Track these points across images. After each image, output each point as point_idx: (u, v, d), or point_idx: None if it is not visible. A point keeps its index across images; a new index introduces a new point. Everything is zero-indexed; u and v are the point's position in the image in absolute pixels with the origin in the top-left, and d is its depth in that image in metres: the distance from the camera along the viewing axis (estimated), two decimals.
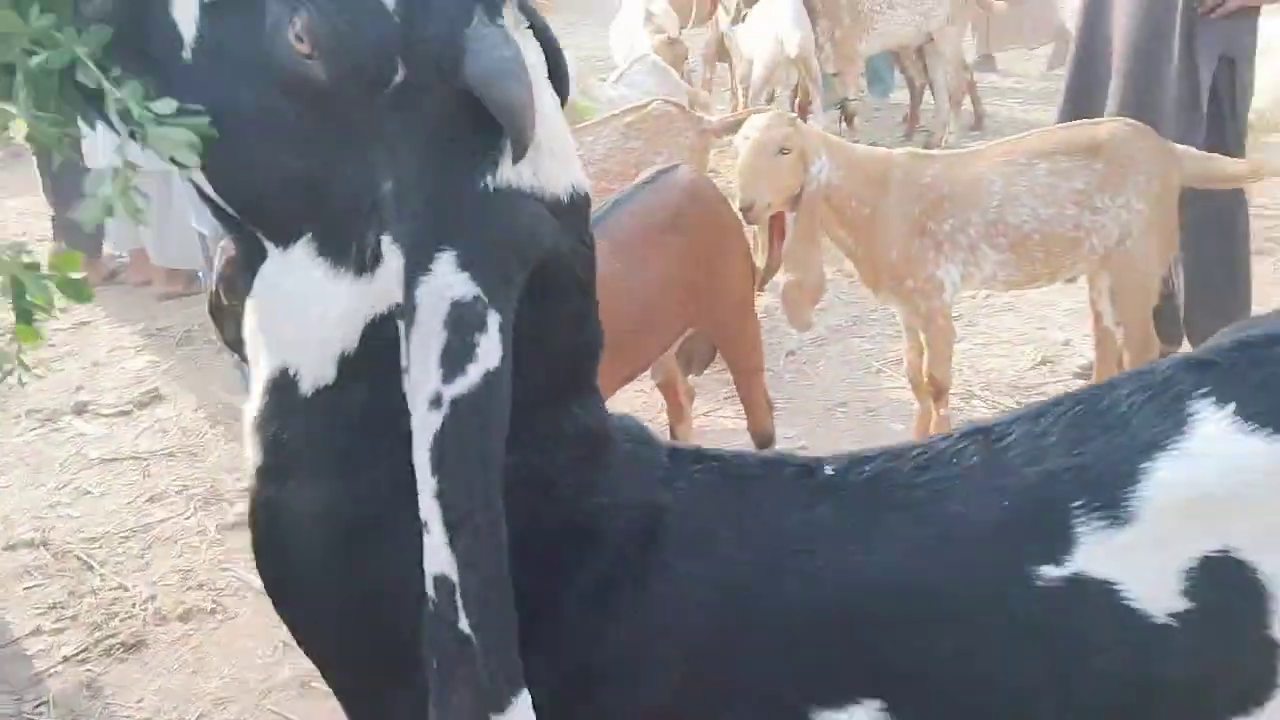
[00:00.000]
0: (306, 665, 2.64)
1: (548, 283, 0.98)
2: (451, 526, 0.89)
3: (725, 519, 1.05)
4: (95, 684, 2.77)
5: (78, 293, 1.05)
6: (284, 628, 2.86)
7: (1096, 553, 1.02)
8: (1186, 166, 3.05)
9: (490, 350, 0.91)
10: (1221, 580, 1.02)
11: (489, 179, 0.94)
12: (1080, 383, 3.97)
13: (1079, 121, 3.29)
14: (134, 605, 3.06)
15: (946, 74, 6.73)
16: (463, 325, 0.90)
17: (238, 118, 0.94)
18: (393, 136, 0.93)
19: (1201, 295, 3.49)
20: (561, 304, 1.02)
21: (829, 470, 1.09)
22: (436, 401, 0.90)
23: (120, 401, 4.30)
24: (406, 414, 0.92)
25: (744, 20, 6.69)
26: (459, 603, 0.89)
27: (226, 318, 1.76)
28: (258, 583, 2.99)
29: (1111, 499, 1.03)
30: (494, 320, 0.91)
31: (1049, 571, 1.02)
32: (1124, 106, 3.45)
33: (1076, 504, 1.03)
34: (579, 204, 1.02)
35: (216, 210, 1.02)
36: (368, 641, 1.03)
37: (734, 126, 4.43)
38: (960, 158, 3.19)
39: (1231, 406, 1.05)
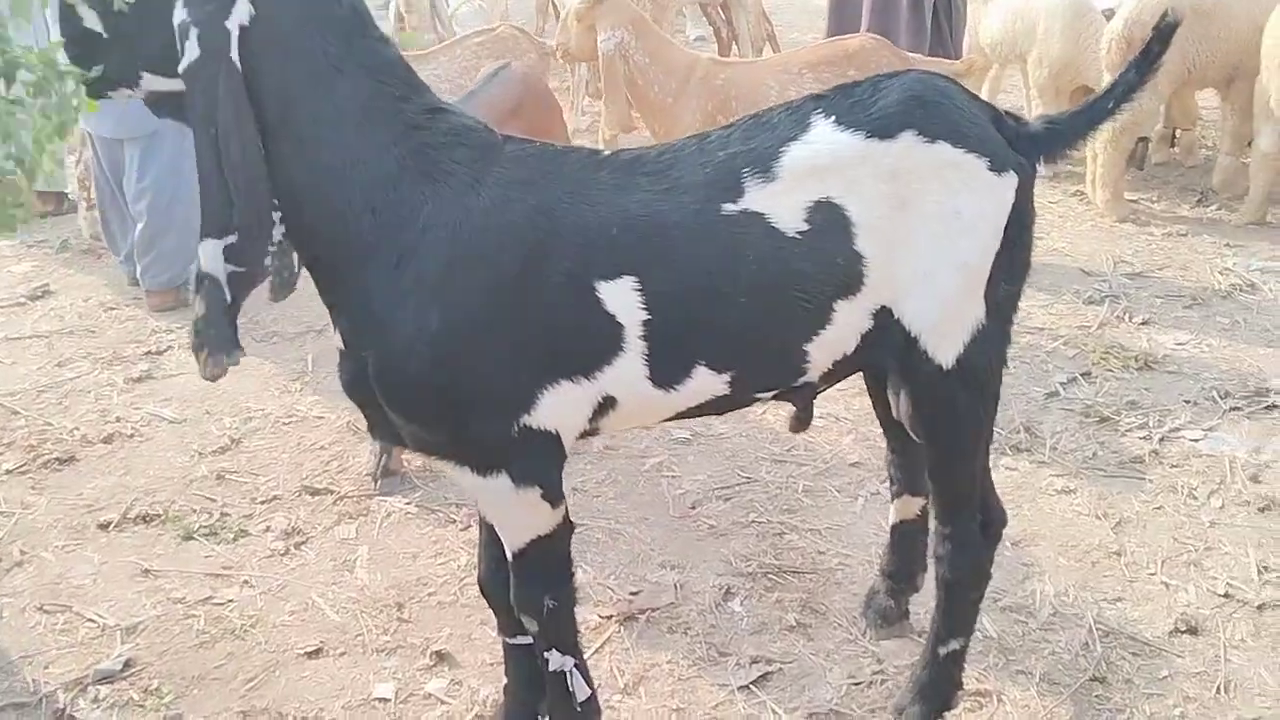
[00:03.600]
0: (221, 465, 3.33)
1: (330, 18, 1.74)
2: (195, 148, 1.70)
3: (543, 173, 1.81)
4: (39, 486, 3.35)
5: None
6: (198, 442, 3.63)
7: (757, 197, 1.82)
8: (918, 68, 3.95)
9: (191, 47, 1.66)
10: (826, 213, 1.83)
11: None
12: None
13: (834, 38, 4.15)
14: (61, 434, 3.63)
15: (749, 23, 7.61)
16: (180, 34, 1.67)
17: None
18: None
19: None
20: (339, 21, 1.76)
21: (606, 153, 1.87)
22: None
23: (13, 296, 4.77)
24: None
25: None
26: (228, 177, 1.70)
27: None
28: (170, 414, 3.66)
29: (765, 167, 1.83)
30: (194, 32, 1.65)
31: (730, 207, 1.81)
32: (870, 27, 4.36)
33: (745, 169, 1.83)
34: None
35: None
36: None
37: None
38: (746, 66, 4.03)
39: (833, 118, 1.86)
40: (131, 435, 3.63)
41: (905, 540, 2.47)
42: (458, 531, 3.05)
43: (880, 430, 3.39)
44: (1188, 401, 3.56)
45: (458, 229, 1.75)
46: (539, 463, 1.89)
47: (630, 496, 3.18)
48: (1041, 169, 2.06)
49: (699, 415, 1.98)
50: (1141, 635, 2.53)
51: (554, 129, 3.49)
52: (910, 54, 4.05)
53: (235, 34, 1.68)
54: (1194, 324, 4.14)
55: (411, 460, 3.34)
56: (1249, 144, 5.54)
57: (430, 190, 1.76)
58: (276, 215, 1.76)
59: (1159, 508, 3.02)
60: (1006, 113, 1.99)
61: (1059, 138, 1.99)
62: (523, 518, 1.93)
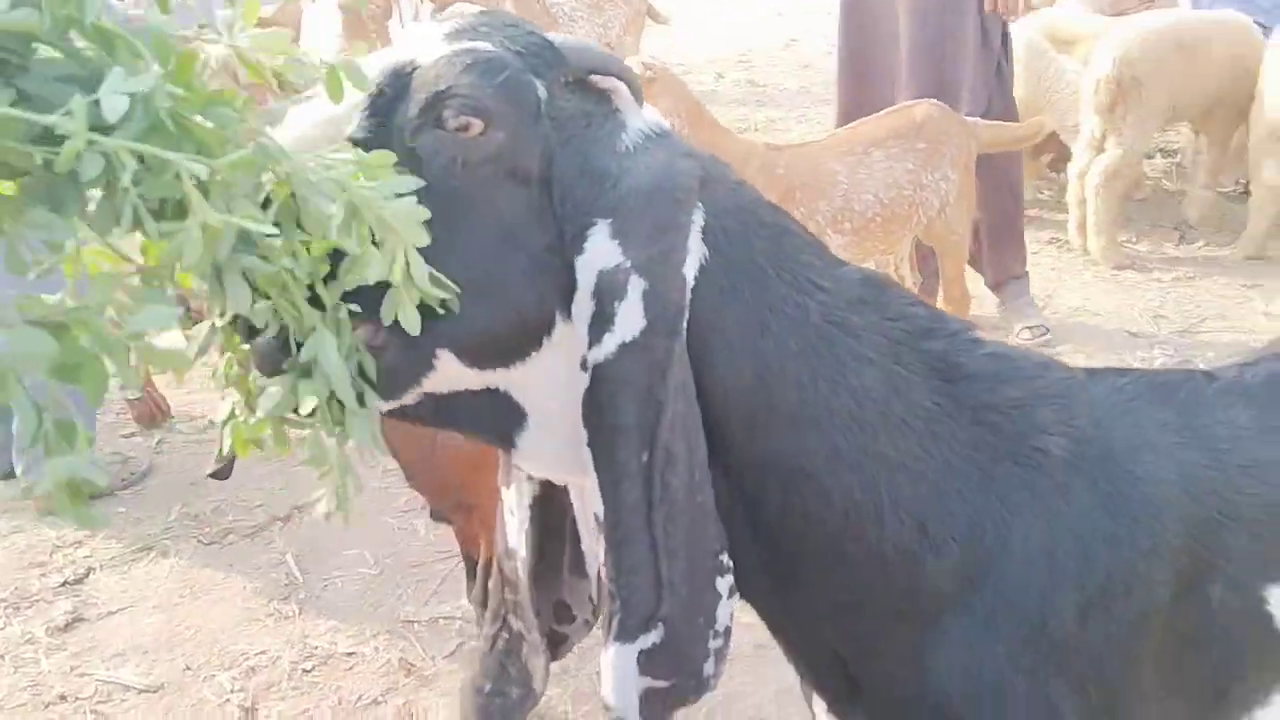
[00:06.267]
0: None
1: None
2: (602, 481, 0.94)
3: (1163, 423, 1.10)
4: None
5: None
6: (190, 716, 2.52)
7: None
8: (982, 135, 3.41)
9: (630, 312, 0.91)
10: None
11: (622, 138, 0.99)
12: None
13: (897, 107, 3.53)
14: None
15: None
16: (608, 290, 0.92)
17: None
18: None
19: (990, 243, 3.90)
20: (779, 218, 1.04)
21: (1230, 375, 1.17)
22: (583, 364, 0.94)
23: None
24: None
25: None
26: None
27: None
28: (133, 678, 2.67)
29: None
30: (638, 285, 0.92)
31: None
32: (922, 91, 3.75)
33: None
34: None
35: None
36: None
37: None
38: (804, 150, 3.36)
39: None
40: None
41: None
42: None
43: None
44: None
45: (1084, 543, 1.03)
46: None
47: None
48: None
49: None
50: None
51: None
52: (972, 119, 3.50)
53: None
54: None
55: None
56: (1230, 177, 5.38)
57: (1023, 485, 1.03)
58: (724, 584, 0.98)
59: None
60: None
61: None
62: None
